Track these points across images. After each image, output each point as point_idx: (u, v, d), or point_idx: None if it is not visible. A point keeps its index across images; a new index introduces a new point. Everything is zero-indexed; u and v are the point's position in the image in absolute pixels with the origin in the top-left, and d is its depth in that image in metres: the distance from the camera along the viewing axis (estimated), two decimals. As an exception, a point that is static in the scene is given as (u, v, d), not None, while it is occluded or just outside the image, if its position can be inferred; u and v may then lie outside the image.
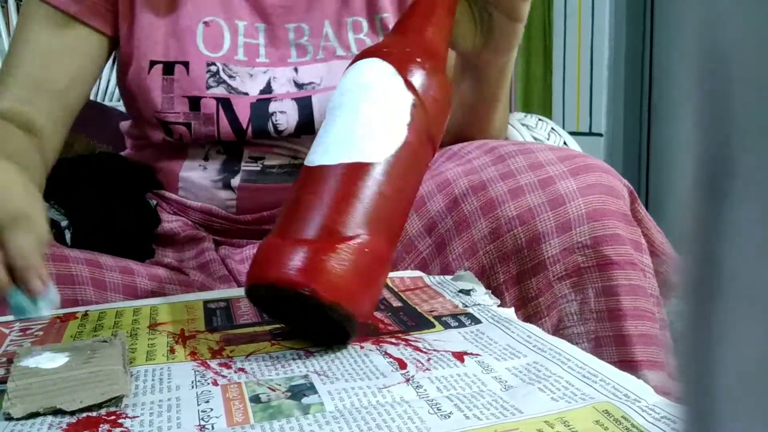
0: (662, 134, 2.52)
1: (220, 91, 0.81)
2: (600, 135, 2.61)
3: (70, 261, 0.68)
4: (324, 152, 0.53)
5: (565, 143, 1.29)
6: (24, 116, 0.77)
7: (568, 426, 0.39)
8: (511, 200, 0.69)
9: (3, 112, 0.77)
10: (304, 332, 0.54)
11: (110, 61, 0.88)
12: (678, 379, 0.15)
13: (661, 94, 2.51)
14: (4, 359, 0.50)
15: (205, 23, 0.82)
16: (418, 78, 0.54)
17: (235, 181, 0.83)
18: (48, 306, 0.53)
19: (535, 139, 1.29)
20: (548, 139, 1.29)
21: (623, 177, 0.75)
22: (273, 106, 0.82)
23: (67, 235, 0.75)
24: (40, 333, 0.56)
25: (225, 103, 0.81)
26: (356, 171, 0.51)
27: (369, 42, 0.83)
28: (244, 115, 0.81)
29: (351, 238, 0.49)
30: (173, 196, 0.86)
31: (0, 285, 0.53)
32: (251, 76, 0.82)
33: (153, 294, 0.73)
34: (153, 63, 0.81)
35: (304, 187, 0.53)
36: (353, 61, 0.57)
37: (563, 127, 1.39)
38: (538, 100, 2.78)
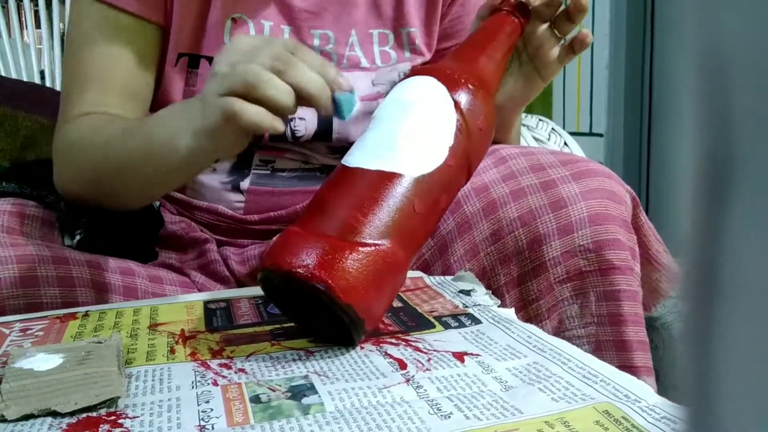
0: (662, 135, 2.52)
1: None
2: (600, 135, 2.61)
3: (71, 263, 0.68)
4: (362, 156, 0.53)
5: (565, 143, 1.29)
6: (106, 117, 0.76)
7: (569, 426, 0.39)
8: (512, 202, 0.69)
9: (88, 116, 0.76)
10: (305, 328, 0.54)
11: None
12: (679, 380, 0.15)
13: (661, 95, 2.51)
14: (4, 359, 0.50)
15: (233, 20, 0.81)
16: (468, 103, 0.55)
17: (245, 184, 0.83)
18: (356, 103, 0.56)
19: (535, 139, 1.29)
20: (549, 140, 1.29)
21: (623, 177, 0.75)
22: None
23: (76, 238, 0.75)
24: (41, 333, 0.56)
25: None
26: (391, 180, 0.51)
27: (394, 55, 0.83)
28: None
29: (373, 243, 0.49)
30: (179, 195, 0.85)
31: (319, 89, 0.55)
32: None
33: (153, 296, 0.73)
34: (180, 55, 0.80)
35: (336, 184, 0.53)
36: (407, 76, 0.58)
37: (563, 128, 1.38)
38: (538, 100, 2.78)
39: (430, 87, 0.55)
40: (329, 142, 0.82)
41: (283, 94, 0.55)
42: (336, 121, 0.82)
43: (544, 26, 0.73)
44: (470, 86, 0.56)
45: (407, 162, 0.52)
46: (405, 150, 0.52)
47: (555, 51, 0.73)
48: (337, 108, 0.55)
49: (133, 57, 0.78)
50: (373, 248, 0.49)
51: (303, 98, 0.56)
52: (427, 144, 0.53)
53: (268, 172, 0.83)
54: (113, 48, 0.77)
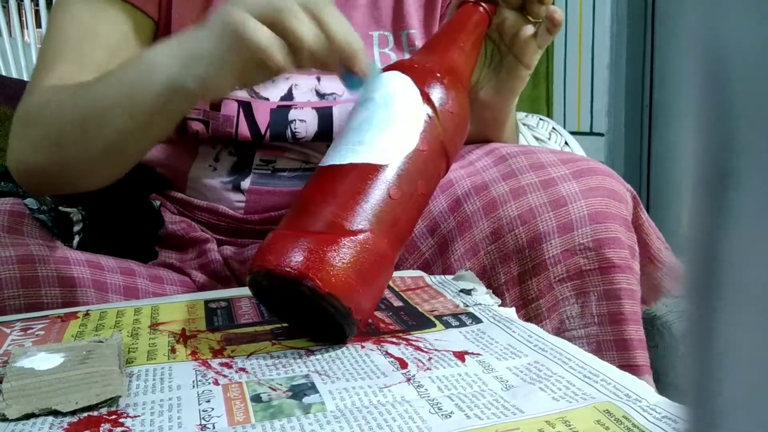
0: (663, 134, 2.52)
1: (242, 94, 0.80)
2: (601, 135, 2.61)
3: (71, 263, 0.68)
4: (336, 153, 0.54)
5: (566, 143, 1.29)
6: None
7: (569, 426, 0.39)
8: (512, 200, 0.69)
9: (58, 87, 0.71)
10: (303, 330, 0.54)
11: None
12: (680, 379, 0.15)
13: (662, 95, 2.51)
14: (5, 359, 0.50)
15: None
16: (434, 90, 0.56)
17: (245, 184, 0.82)
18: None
19: (536, 139, 1.29)
20: (549, 139, 1.29)
21: (624, 177, 0.75)
22: (293, 114, 0.81)
23: (76, 240, 0.75)
24: (42, 333, 0.56)
25: (246, 107, 0.80)
26: (364, 170, 0.52)
27: (394, 57, 0.84)
28: (263, 119, 0.80)
29: (353, 233, 0.50)
30: (179, 195, 0.85)
31: (350, 42, 0.53)
32: (273, 82, 0.81)
33: (154, 295, 0.73)
34: None
35: (313, 184, 0.54)
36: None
37: (564, 127, 1.38)
38: (538, 99, 2.78)
39: (396, 81, 0.56)
40: (330, 143, 0.82)
41: (309, 31, 0.52)
42: (337, 124, 0.82)
43: (516, 13, 0.72)
44: (437, 74, 0.57)
45: (377, 151, 0.53)
46: (374, 141, 0.53)
47: (531, 36, 0.73)
48: (352, 78, 0.54)
49: (115, 39, 0.75)
50: (352, 237, 0.50)
51: (323, 52, 0.53)
52: (395, 132, 0.54)
53: (269, 171, 0.83)
54: (97, 25, 0.75)
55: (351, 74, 0.53)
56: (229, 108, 0.79)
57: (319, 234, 0.50)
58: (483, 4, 0.68)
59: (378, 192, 0.52)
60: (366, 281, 0.50)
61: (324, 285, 0.48)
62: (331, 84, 0.82)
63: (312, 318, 0.51)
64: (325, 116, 0.82)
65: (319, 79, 0.82)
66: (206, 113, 0.80)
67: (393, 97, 0.55)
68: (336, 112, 0.82)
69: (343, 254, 0.49)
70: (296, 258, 0.48)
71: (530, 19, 0.73)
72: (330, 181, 0.53)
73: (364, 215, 0.51)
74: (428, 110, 0.55)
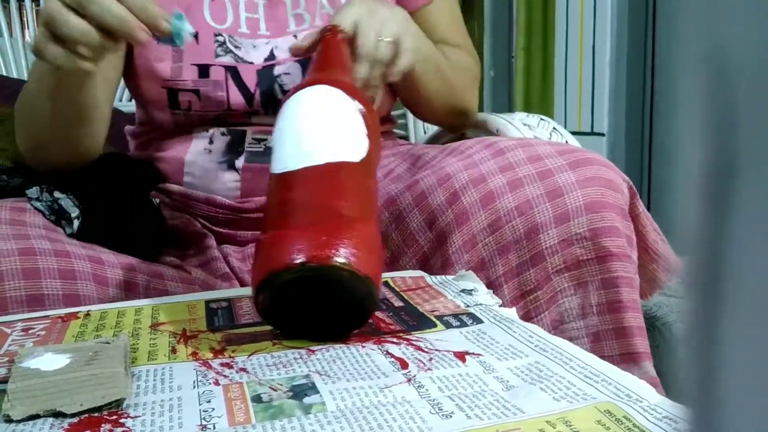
0: (664, 134, 2.52)
1: (227, 60, 0.85)
2: (602, 135, 2.61)
3: (72, 257, 0.69)
4: (306, 157, 0.56)
5: (566, 143, 1.29)
6: None
7: (570, 426, 0.39)
8: (509, 192, 0.69)
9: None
10: (302, 332, 0.54)
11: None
12: (682, 379, 0.15)
13: (663, 94, 2.51)
14: (5, 359, 0.50)
15: None
16: (360, 98, 0.62)
17: (239, 162, 0.85)
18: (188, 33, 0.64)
19: (536, 138, 1.29)
20: (550, 139, 1.29)
21: (624, 175, 0.75)
22: (278, 70, 0.86)
23: (75, 224, 0.76)
24: (42, 333, 0.56)
25: (233, 71, 0.85)
26: (346, 167, 0.56)
27: None
28: (251, 80, 0.85)
29: (359, 220, 0.53)
30: (178, 188, 0.87)
31: (120, 22, 0.61)
32: (254, 47, 0.86)
33: (155, 291, 0.73)
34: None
35: (292, 186, 0.55)
36: (299, 88, 0.63)
37: (565, 127, 1.38)
38: (538, 99, 2.78)
39: (326, 92, 0.62)
40: None
41: (77, 31, 0.60)
42: None
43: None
44: (353, 86, 0.64)
45: (348, 152, 0.57)
46: (342, 142, 0.58)
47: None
48: (171, 36, 0.62)
49: None
50: (361, 224, 0.53)
51: (110, 32, 0.61)
52: (354, 135, 0.60)
53: (262, 149, 0.85)
54: None
55: (162, 37, 0.62)
56: (217, 73, 0.84)
57: (330, 225, 0.52)
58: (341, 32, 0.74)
59: (361, 184, 0.56)
60: (380, 262, 0.55)
61: (363, 269, 0.50)
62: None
63: (322, 316, 0.52)
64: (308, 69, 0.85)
65: (296, 37, 0.87)
66: (195, 82, 0.83)
67: (338, 107, 0.61)
68: None
69: (363, 239, 0.52)
70: (326, 248, 0.50)
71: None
72: (313, 179, 0.55)
73: (359, 205, 0.55)
74: (363, 114, 0.61)
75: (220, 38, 0.85)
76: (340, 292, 0.51)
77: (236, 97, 0.84)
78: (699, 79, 0.14)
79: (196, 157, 0.86)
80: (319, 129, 0.59)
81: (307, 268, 0.50)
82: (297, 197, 0.54)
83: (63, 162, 0.81)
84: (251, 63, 0.85)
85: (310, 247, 0.50)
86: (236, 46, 0.85)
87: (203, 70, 0.84)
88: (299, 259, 0.50)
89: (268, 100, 0.85)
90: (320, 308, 0.52)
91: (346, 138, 0.58)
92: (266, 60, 0.86)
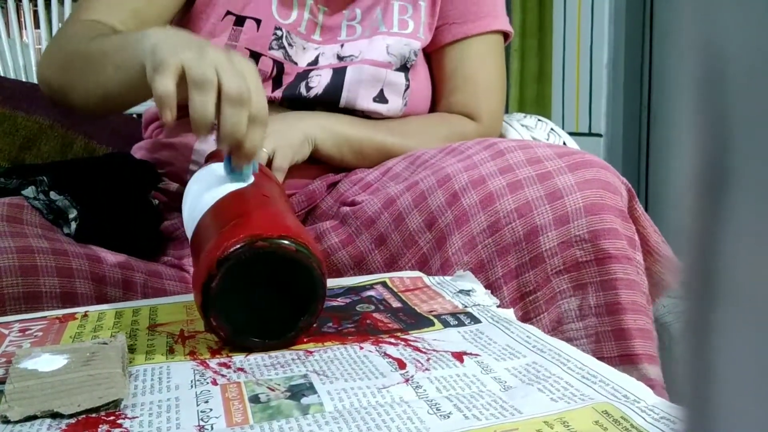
0: (661, 135, 2.52)
1: (279, 54, 0.88)
2: (599, 135, 2.61)
3: (70, 255, 0.69)
4: (210, 200, 0.59)
5: (564, 144, 1.29)
6: (108, 28, 0.83)
7: (568, 426, 0.39)
8: (509, 194, 0.70)
9: (93, 21, 0.83)
10: (255, 329, 0.53)
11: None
12: (677, 380, 0.15)
13: (660, 95, 2.51)
14: (3, 360, 0.50)
15: None
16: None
17: None
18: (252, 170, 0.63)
19: (534, 139, 1.29)
20: (548, 140, 1.29)
21: (622, 177, 0.75)
22: (312, 74, 0.89)
23: (73, 226, 0.76)
24: (40, 334, 0.56)
25: (279, 67, 0.88)
26: (241, 190, 0.60)
27: (411, 23, 0.93)
28: (288, 79, 0.88)
29: (275, 208, 0.58)
30: (174, 186, 0.87)
31: (232, 131, 0.60)
32: (304, 49, 0.89)
33: (152, 290, 0.73)
34: (228, 13, 0.87)
35: (200, 229, 0.58)
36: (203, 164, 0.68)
37: (563, 128, 1.39)
38: (535, 100, 2.78)
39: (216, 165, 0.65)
40: (335, 100, 0.89)
41: (205, 111, 0.59)
42: (348, 81, 0.89)
43: None
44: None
45: (235, 185, 0.61)
46: (226, 185, 0.61)
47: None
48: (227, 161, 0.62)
49: None
50: (276, 206, 0.58)
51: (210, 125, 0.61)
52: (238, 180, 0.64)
53: None
54: None
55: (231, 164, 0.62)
56: (265, 64, 0.87)
57: (251, 217, 0.54)
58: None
59: (255, 193, 0.60)
60: (312, 240, 0.57)
61: (302, 240, 0.52)
62: (352, 48, 0.90)
63: (274, 303, 0.52)
64: (339, 73, 0.89)
65: (342, 46, 0.90)
66: None
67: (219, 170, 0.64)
68: (349, 71, 0.89)
69: (283, 215, 0.56)
70: (264, 227, 0.52)
71: None
72: (217, 209, 0.58)
73: (266, 201, 0.59)
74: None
75: (278, 32, 0.88)
76: (279, 271, 0.52)
77: (268, 91, 0.86)
78: (695, 78, 0.14)
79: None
80: (215, 181, 0.62)
81: (251, 249, 0.51)
82: (209, 224, 0.57)
83: (83, 106, 0.82)
84: (296, 64, 0.88)
85: (250, 230, 0.52)
86: (290, 44, 0.88)
87: (254, 58, 0.86)
88: (245, 238, 0.51)
89: (290, 94, 0.88)
90: (270, 295, 0.52)
91: (230, 185, 0.61)
92: (309, 64, 0.89)
